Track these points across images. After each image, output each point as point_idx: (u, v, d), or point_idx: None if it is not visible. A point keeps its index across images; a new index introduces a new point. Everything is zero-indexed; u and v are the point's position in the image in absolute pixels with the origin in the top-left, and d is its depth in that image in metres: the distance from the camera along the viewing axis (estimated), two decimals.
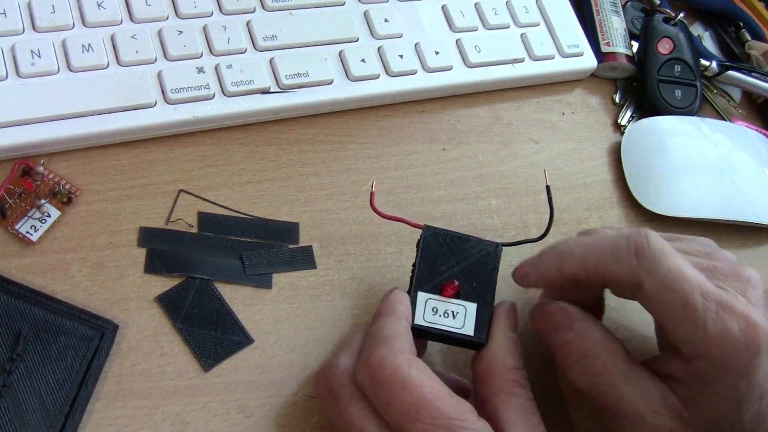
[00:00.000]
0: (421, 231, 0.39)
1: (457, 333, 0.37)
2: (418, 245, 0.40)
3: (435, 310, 0.38)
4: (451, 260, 0.39)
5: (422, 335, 0.38)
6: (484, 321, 0.38)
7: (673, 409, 0.35)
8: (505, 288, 0.40)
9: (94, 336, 0.38)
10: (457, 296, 0.38)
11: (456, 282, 0.38)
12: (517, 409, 0.35)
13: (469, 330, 0.37)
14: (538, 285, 0.40)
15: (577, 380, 0.37)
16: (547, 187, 0.41)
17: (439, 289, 0.38)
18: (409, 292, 0.38)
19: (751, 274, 0.37)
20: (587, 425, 0.43)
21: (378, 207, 0.40)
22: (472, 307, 0.38)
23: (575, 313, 0.37)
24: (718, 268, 0.37)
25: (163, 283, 0.40)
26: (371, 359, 0.34)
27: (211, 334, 0.40)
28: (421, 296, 0.38)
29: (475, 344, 0.38)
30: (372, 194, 0.40)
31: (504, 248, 0.40)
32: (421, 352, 0.40)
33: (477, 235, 0.39)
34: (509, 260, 0.41)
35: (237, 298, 0.41)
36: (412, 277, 0.39)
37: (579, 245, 0.37)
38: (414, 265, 0.39)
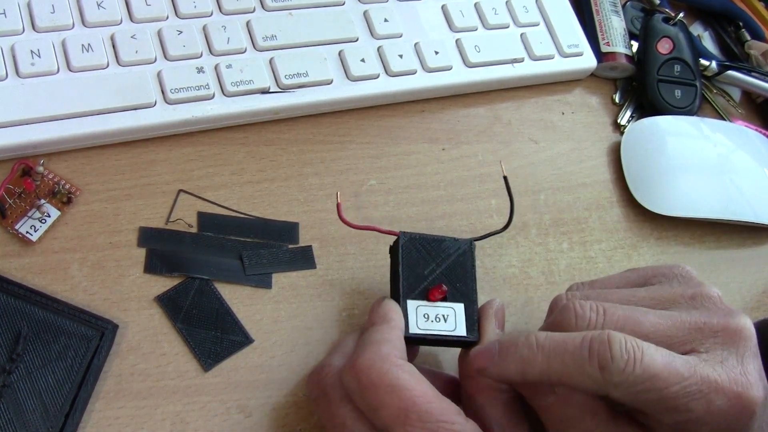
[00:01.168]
0: (393, 237, 0.40)
1: (452, 336, 0.38)
2: (391, 252, 0.40)
3: (426, 316, 0.38)
4: (431, 264, 0.39)
5: (418, 342, 0.38)
6: (472, 319, 0.38)
7: None
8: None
9: (94, 336, 0.38)
10: (444, 299, 0.38)
11: (443, 286, 0.38)
12: (503, 406, 0.35)
13: (461, 331, 0.38)
14: (500, 381, 0.37)
15: None
16: (505, 178, 0.42)
17: (426, 295, 0.38)
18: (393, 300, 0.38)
19: (742, 323, 0.34)
20: None
21: (347, 217, 0.40)
22: (459, 307, 0.38)
23: None
24: (707, 325, 0.34)
25: (163, 283, 0.40)
26: (359, 362, 0.34)
27: (211, 334, 0.40)
28: (411, 304, 0.38)
29: (468, 343, 0.38)
30: (339, 206, 0.40)
31: (476, 243, 0.40)
32: (411, 357, 0.40)
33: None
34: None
35: (237, 298, 0.41)
36: (393, 285, 0.39)
37: (542, 350, 0.34)
38: (393, 273, 0.39)
